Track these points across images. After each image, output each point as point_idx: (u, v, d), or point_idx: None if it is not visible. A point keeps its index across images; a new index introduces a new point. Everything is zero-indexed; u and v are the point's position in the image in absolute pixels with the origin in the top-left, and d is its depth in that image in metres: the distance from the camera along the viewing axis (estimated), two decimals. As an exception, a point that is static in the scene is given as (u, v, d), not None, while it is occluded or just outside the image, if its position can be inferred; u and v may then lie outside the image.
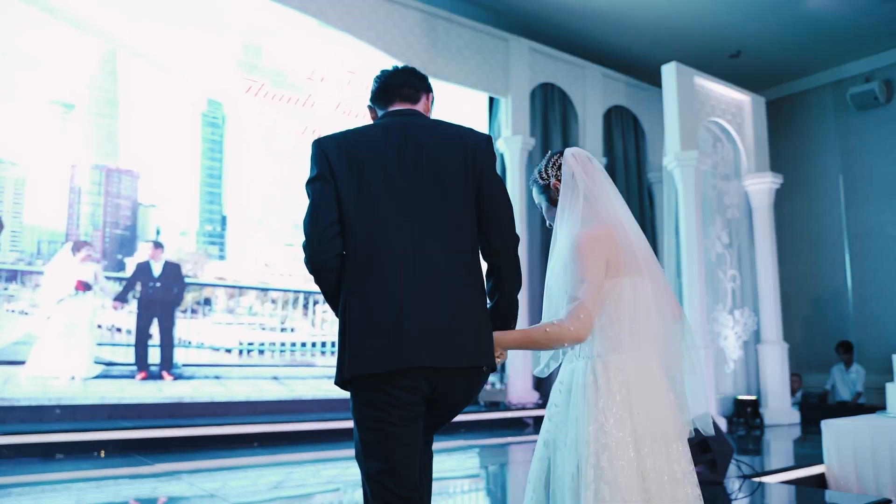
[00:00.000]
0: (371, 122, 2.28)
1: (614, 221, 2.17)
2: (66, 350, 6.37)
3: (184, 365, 6.90)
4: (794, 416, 8.05)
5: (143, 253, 6.86)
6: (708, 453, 4.54)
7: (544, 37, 9.46)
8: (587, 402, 2.06)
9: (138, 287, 6.77)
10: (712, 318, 7.78)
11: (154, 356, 6.77)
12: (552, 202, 2.31)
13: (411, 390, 1.94)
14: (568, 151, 2.28)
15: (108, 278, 6.69)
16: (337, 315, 2.06)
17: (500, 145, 9.05)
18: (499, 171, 8.45)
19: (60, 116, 6.62)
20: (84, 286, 6.49)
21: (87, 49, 6.77)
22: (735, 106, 8.61)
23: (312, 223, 2.01)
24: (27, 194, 6.39)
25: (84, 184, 6.68)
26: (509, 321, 2.17)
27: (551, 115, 9.53)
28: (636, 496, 1.97)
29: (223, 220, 7.37)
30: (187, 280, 7.03)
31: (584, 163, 2.24)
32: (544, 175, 2.31)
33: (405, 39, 8.24)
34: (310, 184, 2.06)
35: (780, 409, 8.00)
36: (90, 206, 6.67)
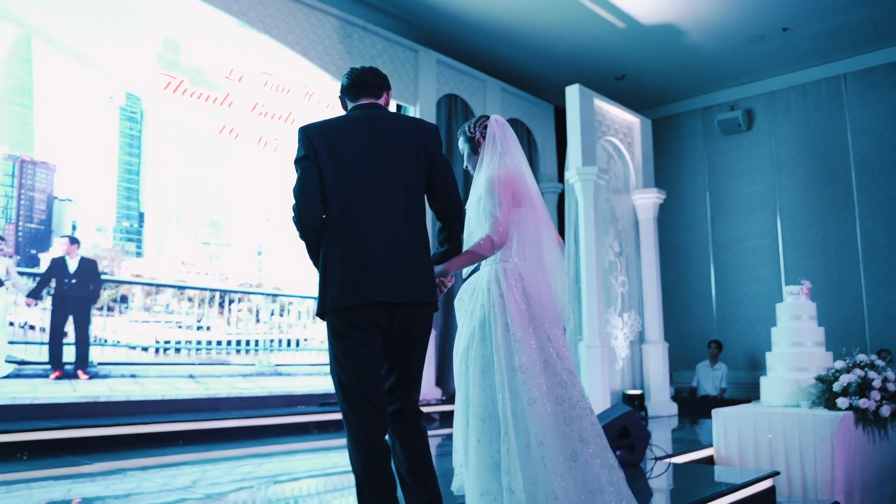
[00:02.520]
0: (343, 110, 2.89)
1: (518, 169, 3.01)
2: (-24, 348, 6.11)
3: (99, 363, 6.75)
4: (673, 409, 8.92)
5: (58, 248, 6.65)
6: (628, 438, 5.08)
7: (450, 50, 9.90)
8: (490, 297, 2.87)
9: (53, 283, 6.56)
10: (605, 320, 8.47)
11: (69, 354, 6.58)
12: (474, 152, 3.15)
13: (372, 319, 2.54)
14: (493, 118, 3.11)
15: (21, 274, 6.44)
16: (315, 265, 2.65)
17: (408, 152, 9.37)
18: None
19: (-29, 103, 6.32)
20: (-5, 281, 6.24)
21: None
22: (626, 126, 9.39)
23: (301, 192, 2.60)
24: (-66, 184, 6.07)
25: (-4, 175, 6.41)
26: (452, 256, 2.82)
27: (454, 125, 9.95)
28: (536, 358, 2.73)
29: (140, 217, 7.25)
30: (104, 277, 6.88)
31: (503, 128, 3.10)
32: (471, 130, 3.16)
33: (322, 45, 8.40)
34: (298, 161, 2.65)
35: (661, 402, 8.84)
36: (2, 199, 6.41)
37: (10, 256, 6.38)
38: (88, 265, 6.77)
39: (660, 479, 4.71)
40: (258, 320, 8.05)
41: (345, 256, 2.54)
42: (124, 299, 7.07)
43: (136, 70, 7.29)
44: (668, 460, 5.38)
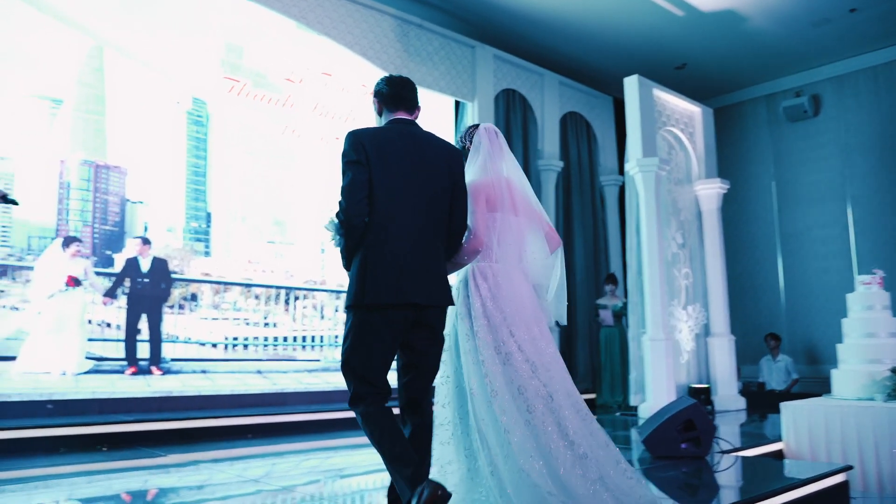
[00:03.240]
0: (373, 107, 3.13)
1: (498, 177, 3.15)
2: (58, 345, 6.39)
3: (172, 360, 7.00)
4: (741, 403, 8.74)
5: (131, 249, 6.92)
6: (693, 431, 5.02)
7: (507, 45, 9.90)
8: (464, 288, 3.10)
9: (127, 283, 6.83)
10: (669, 313, 8.36)
11: (143, 351, 6.85)
12: (465, 157, 3.25)
13: (402, 317, 2.78)
14: (481, 126, 3.29)
15: (97, 274, 6.72)
16: (346, 259, 2.86)
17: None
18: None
19: (49, 112, 6.61)
20: (74, 282, 6.52)
21: (74, 45, 6.79)
22: (687, 116, 9.24)
23: (350, 194, 2.79)
24: (17, 189, 6.36)
25: (73, 179, 6.69)
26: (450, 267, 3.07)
27: (513, 120, 9.95)
28: (494, 359, 2.92)
29: (208, 217, 7.48)
30: (174, 276, 7.12)
31: (490, 135, 3.25)
32: (462, 140, 3.35)
33: (380, 44, 8.51)
34: (350, 164, 2.83)
35: (728, 396, 8.68)
36: (79, 202, 6.69)
37: (88, 257, 6.66)
38: (160, 265, 7.02)
39: (727, 473, 4.65)
40: (322, 316, 8.21)
41: (384, 259, 2.76)
42: (194, 297, 7.30)
43: (201, 75, 7.52)
44: (735, 454, 5.29)
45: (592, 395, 9.79)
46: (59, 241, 6.51)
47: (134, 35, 7.09)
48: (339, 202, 2.82)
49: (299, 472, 5.16)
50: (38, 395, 6.16)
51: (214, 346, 7.33)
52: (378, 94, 3.06)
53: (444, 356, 3.08)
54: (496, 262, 3.10)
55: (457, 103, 9.68)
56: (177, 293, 7.17)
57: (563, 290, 3.34)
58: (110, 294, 6.76)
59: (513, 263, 3.13)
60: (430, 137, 3.01)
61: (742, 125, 11.53)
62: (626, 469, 2.98)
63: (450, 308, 3.07)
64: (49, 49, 6.60)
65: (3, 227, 6.30)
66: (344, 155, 2.86)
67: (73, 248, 6.53)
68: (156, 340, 6.92)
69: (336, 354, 8.14)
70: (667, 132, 9.01)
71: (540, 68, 10.30)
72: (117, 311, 6.78)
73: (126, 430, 5.88)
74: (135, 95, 7.07)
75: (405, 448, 2.72)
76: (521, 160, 9.89)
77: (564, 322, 3.35)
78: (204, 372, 7.15)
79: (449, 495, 2.58)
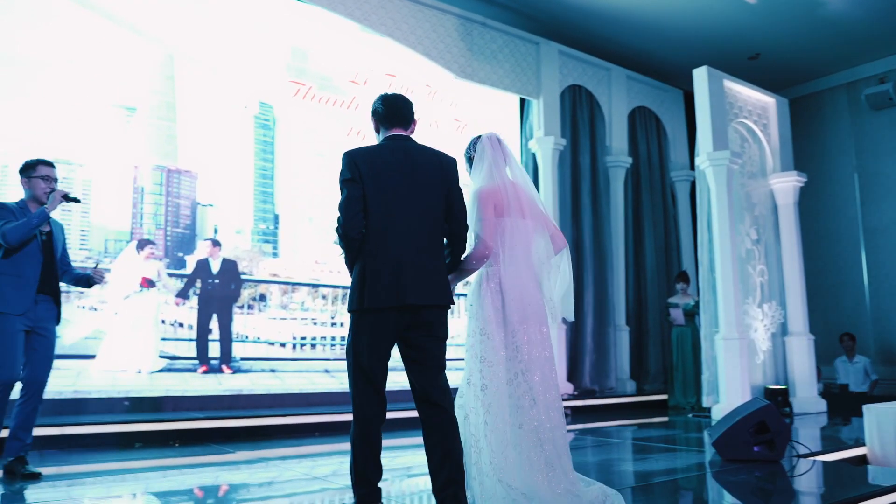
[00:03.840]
0: (372, 126, 3.32)
1: (504, 182, 3.28)
2: (133, 345, 6.61)
3: (242, 359, 7.15)
4: (821, 405, 8.38)
5: (202, 251, 7.11)
6: (766, 433, 4.82)
7: (572, 40, 9.76)
8: (475, 290, 3.26)
9: (198, 284, 7.02)
10: (743, 311, 8.08)
11: (214, 350, 7.03)
12: (470, 166, 3.46)
13: (398, 318, 2.99)
14: (484, 135, 3.42)
15: (170, 275, 6.93)
16: (349, 269, 3.08)
17: (532, 146, 9.33)
18: (531, 171, 8.76)
19: (123, 120, 6.85)
20: (148, 283, 6.73)
21: (146, 55, 7.02)
22: (760, 107, 8.92)
23: (346, 209, 3.01)
24: (94, 195, 6.61)
25: (146, 184, 6.92)
26: (457, 270, 3.29)
27: (580, 116, 9.81)
28: (499, 356, 3.10)
29: (276, 219, 7.62)
30: (243, 277, 7.28)
31: (493, 144, 3.37)
32: (469, 149, 3.49)
33: (443, 43, 8.51)
34: (345, 182, 3.06)
35: (807, 399, 8.33)
36: (152, 206, 6.91)
37: (161, 259, 6.87)
38: (229, 266, 7.19)
39: (804, 478, 4.45)
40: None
41: (381, 266, 2.98)
42: (263, 298, 7.45)
43: (267, 79, 7.67)
44: (813, 458, 5.06)
45: (664, 396, 9.56)
46: (134, 243, 6.74)
47: (203, 43, 7.28)
48: (338, 218, 3.05)
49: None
50: (116, 392, 6.38)
51: (283, 345, 7.45)
52: (374, 113, 3.27)
53: (466, 356, 3.26)
54: (506, 266, 3.22)
55: (522, 101, 9.61)
56: (246, 294, 7.32)
57: (571, 289, 3.45)
58: (182, 295, 6.96)
59: (522, 266, 3.24)
60: (423, 149, 3.20)
61: (820, 115, 11.06)
62: (574, 478, 3.13)
63: (468, 311, 3.31)
64: (123, 59, 6.84)
65: (82, 231, 6.56)
66: (340, 174, 3.09)
67: (147, 250, 6.75)
68: (226, 340, 7.09)
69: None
70: (739, 124, 8.72)
71: (606, 63, 10.13)
72: (189, 312, 6.97)
73: (197, 426, 6.04)
74: (204, 101, 7.26)
75: (377, 466, 3.02)
76: (588, 157, 9.75)
77: (572, 318, 3.49)
78: (273, 371, 7.29)
79: None
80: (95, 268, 4.62)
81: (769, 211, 8.92)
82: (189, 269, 7.03)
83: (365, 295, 2.98)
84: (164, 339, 6.83)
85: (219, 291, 7.09)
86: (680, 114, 11.08)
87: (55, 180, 4.44)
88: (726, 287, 7.77)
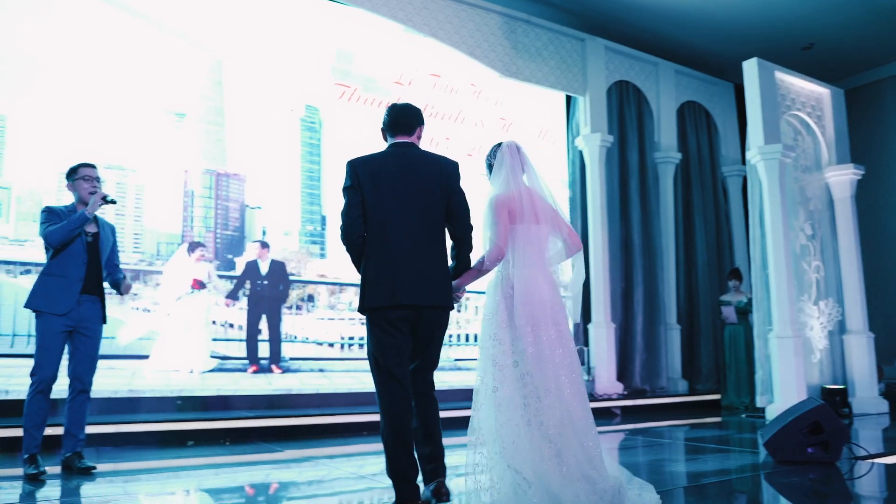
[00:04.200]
0: (382, 140, 3.49)
1: (519, 189, 3.36)
2: (185, 345, 6.75)
3: (290, 358, 7.24)
4: (882, 406, 8.11)
5: (251, 252, 7.22)
6: (821, 434, 4.68)
7: (618, 35, 9.64)
8: (489, 295, 3.35)
9: (248, 285, 7.13)
10: (798, 309, 7.88)
11: (264, 350, 7.13)
12: (490, 173, 3.54)
13: (401, 317, 3.16)
14: (504, 143, 3.48)
15: (220, 277, 7.06)
16: (358, 270, 3.25)
17: (578, 143, 9.25)
18: (578, 168, 8.67)
19: (174, 125, 7.00)
20: (199, 285, 6.86)
21: (195, 61, 7.16)
22: (814, 99, 8.68)
23: (347, 215, 3.21)
24: (146, 199, 6.77)
25: (196, 188, 7.06)
26: (465, 272, 3.40)
27: (627, 112, 9.70)
28: (508, 359, 3.19)
29: (323, 220, 7.69)
30: (292, 278, 7.37)
31: (511, 152, 3.45)
32: (490, 156, 3.54)
33: (487, 42, 8.49)
34: (345, 190, 3.26)
35: (868, 399, 8.07)
36: (202, 209, 7.05)
37: (211, 261, 7.00)
38: (278, 267, 7.28)
39: (862, 481, 4.30)
40: (436, 316, 8.24)
41: (379, 268, 3.16)
42: (311, 298, 7.53)
43: (313, 82, 7.76)
44: (872, 460, 4.89)
45: (717, 396, 9.38)
46: (185, 246, 6.89)
47: (250, 48, 7.40)
48: (340, 224, 3.26)
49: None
50: (169, 391, 6.52)
51: (331, 345, 7.52)
52: (382, 122, 3.48)
53: (480, 355, 3.35)
54: (519, 269, 3.31)
55: (568, 98, 9.53)
56: (294, 294, 7.41)
57: (580, 292, 3.58)
58: (232, 296, 7.08)
59: (536, 269, 3.34)
60: (424, 155, 3.35)
61: (878, 106, 10.72)
62: (599, 465, 3.15)
63: (483, 314, 3.41)
64: (173, 67, 6.99)
65: (135, 234, 6.72)
66: (343, 183, 3.29)
67: (198, 252, 6.89)
68: (275, 340, 7.19)
69: (450, 353, 8.20)
70: (792, 117, 8.49)
71: (654, 58, 9.98)
72: (239, 313, 7.09)
73: (247, 425, 6.14)
74: (251, 105, 7.38)
75: (413, 462, 3.15)
76: (636, 153, 9.62)
77: (578, 320, 3.64)
78: (321, 370, 7.36)
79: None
80: (125, 279, 4.68)
81: (825, 205, 8.67)
82: (238, 271, 7.15)
83: (366, 296, 3.20)
84: (214, 340, 6.96)
85: (268, 292, 7.19)
86: (731, 108, 10.86)
87: (97, 180, 4.53)
88: (780, 284, 7.58)
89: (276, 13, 7.57)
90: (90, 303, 4.47)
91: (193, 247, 6.90)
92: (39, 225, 4.40)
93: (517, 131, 9.13)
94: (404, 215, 3.19)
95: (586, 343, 8.87)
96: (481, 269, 3.40)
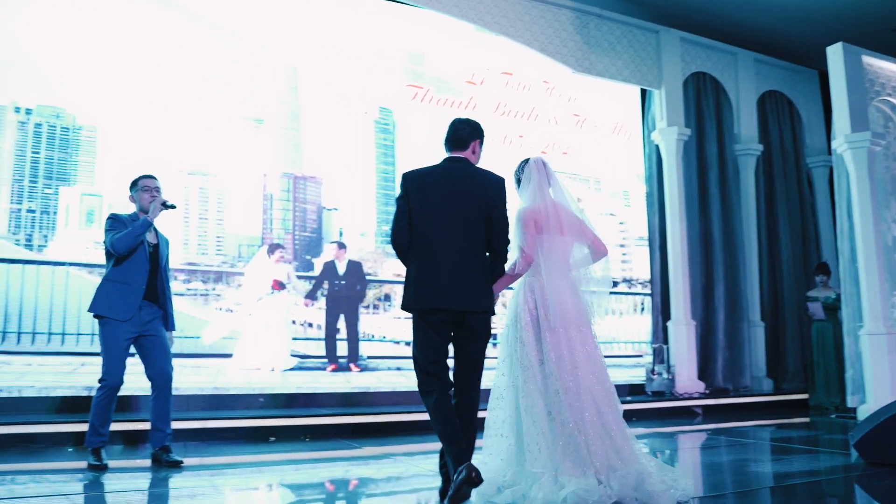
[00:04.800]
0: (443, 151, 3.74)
1: (546, 202, 3.65)
2: (266, 344, 6.94)
3: (368, 357, 7.36)
4: None
5: (328, 253, 7.38)
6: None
7: (694, 26, 9.42)
8: (513, 300, 3.64)
9: (325, 285, 7.29)
10: (891, 304, 7.53)
11: (342, 349, 7.27)
12: (518, 186, 3.83)
13: (440, 320, 3.39)
14: (531, 160, 3.76)
15: (299, 277, 7.23)
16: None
17: (654, 137, 9.09)
18: (654, 163, 8.53)
19: (253, 131, 7.21)
20: (279, 285, 7.05)
21: (272, 68, 7.36)
22: (906, 83, 8.28)
23: (396, 223, 3.50)
24: (227, 203, 7.00)
25: (275, 191, 7.25)
26: (499, 280, 3.58)
27: (704, 104, 9.47)
28: (534, 360, 3.47)
29: (398, 221, 7.78)
30: (368, 278, 7.50)
31: (538, 168, 3.73)
32: (518, 171, 3.82)
33: (559, 38, 8.43)
34: (397, 199, 3.59)
35: (970, 398, 7.65)
36: (281, 212, 7.24)
37: (290, 262, 7.18)
38: (355, 267, 7.41)
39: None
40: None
41: (421, 273, 3.41)
42: (387, 298, 7.63)
43: (386, 84, 7.87)
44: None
45: (804, 395, 9.05)
46: (265, 248, 7.08)
47: (324, 53, 7.56)
48: (390, 229, 3.61)
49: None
50: (251, 389, 6.72)
51: (408, 343, 7.60)
52: (444, 140, 3.73)
53: (502, 355, 3.67)
54: (543, 276, 3.58)
55: (643, 92, 9.38)
56: (371, 294, 7.53)
57: (606, 291, 3.86)
58: (311, 296, 7.24)
59: (560, 276, 3.61)
60: (472, 171, 3.58)
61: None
62: (630, 456, 3.42)
63: (508, 318, 3.69)
64: (251, 74, 7.21)
65: (218, 237, 6.95)
66: (398, 194, 3.62)
67: (277, 254, 7.07)
68: (353, 339, 7.32)
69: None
70: (882, 103, 8.12)
71: (732, 47, 9.72)
72: (318, 312, 7.24)
73: (327, 422, 6.26)
74: (326, 109, 7.53)
75: (455, 430, 3.32)
76: (715, 146, 9.40)
77: (595, 320, 3.78)
78: (399, 369, 7.45)
79: (481, 480, 3.20)
80: (171, 333, 4.82)
81: (919, 195, 8.26)
82: (317, 272, 7.31)
83: (408, 296, 3.46)
84: (295, 339, 7.13)
85: (345, 292, 7.33)
86: (815, 96, 10.46)
87: (157, 189, 4.68)
88: (870, 278, 7.26)
89: (348, 18, 7.71)
90: (149, 307, 4.62)
91: (273, 249, 7.09)
92: (104, 232, 4.54)
93: (591, 127, 9.04)
94: (447, 225, 3.42)
95: (665, 341, 8.70)
96: (514, 276, 3.63)
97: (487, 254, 3.56)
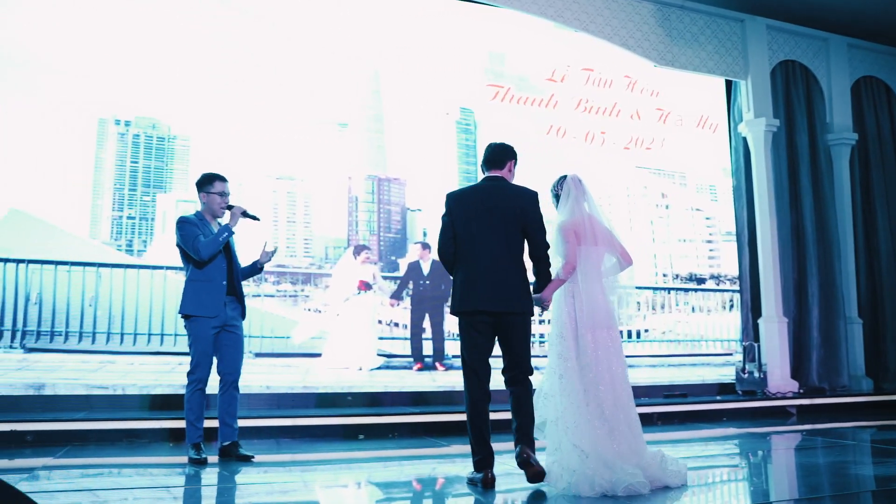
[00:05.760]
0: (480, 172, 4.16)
1: (582, 216, 4.04)
2: (354, 344, 7.09)
3: (454, 356, 7.41)
4: None
5: (413, 254, 7.49)
6: None
7: (781, 13, 9.09)
8: (556, 302, 3.99)
9: (411, 285, 7.40)
10: None
11: (427, 348, 7.37)
12: (556, 201, 4.19)
13: (481, 321, 3.78)
14: (568, 177, 4.13)
15: (384, 278, 7.37)
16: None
17: (741, 129, 8.86)
18: (741, 155, 8.30)
19: (337, 135, 7.39)
20: (365, 286, 7.20)
21: (355, 72, 7.52)
22: None
23: (441, 237, 3.95)
24: (314, 206, 7.20)
25: (360, 193, 7.41)
26: (548, 285, 3.93)
27: (794, 93, 9.16)
28: (572, 353, 3.86)
29: (479, 220, 7.84)
30: (452, 277, 7.55)
31: (575, 184, 4.10)
32: (555, 188, 4.18)
33: (640, 31, 8.31)
34: (442, 217, 3.98)
35: None
36: (366, 213, 7.39)
37: (375, 263, 7.33)
38: (439, 267, 7.45)
39: None
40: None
41: (465, 280, 3.82)
42: (470, 297, 7.67)
43: (466, 85, 7.93)
44: None
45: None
46: (351, 249, 7.25)
47: (405, 56, 7.68)
48: (437, 243, 4.04)
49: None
50: (340, 387, 6.88)
51: (492, 343, 7.64)
52: (482, 159, 4.13)
53: (550, 352, 4.04)
54: (580, 283, 3.97)
55: (728, 83, 9.14)
56: (455, 293, 7.58)
57: (625, 297, 4.37)
58: (396, 296, 7.36)
59: (594, 283, 4.00)
60: (508, 187, 3.97)
61: None
62: (643, 442, 3.89)
63: (553, 315, 4.07)
64: (334, 79, 7.38)
65: (305, 239, 7.16)
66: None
67: (363, 255, 7.22)
68: (438, 338, 7.40)
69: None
70: None
71: (823, 32, 9.35)
72: (403, 312, 7.36)
73: (414, 420, 6.34)
74: (408, 111, 7.65)
75: (485, 438, 3.80)
76: (805, 136, 9.09)
77: (618, 323, 4.17)
78: (483, 368, 7.47)
79: (494, 480, 3.75)
80: (263, 250, 4.92)
81: None
82: (402, 272, 7.44)
83: (454, 302, 3.90)
84: (381, 339, 7.28)
85: (430, 292, 7.42)
86: (917, 79, 9.97)
87: (228, 195, 4.84)
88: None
89: (428, 21, 7.80)
90: (231, 303, 4.77)
91: (359, 250, 7.24)
92: (180, 236, 4.66)
93: (675, 121, 8.88)
94: (487, 237, 3.82)
95: (756, 339, 8.46)
96: (561, 281, 3.99)
97: (528, 261, 3.94)
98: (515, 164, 4.07)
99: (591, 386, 3.83)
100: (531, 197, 3.95)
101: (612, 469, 3.58)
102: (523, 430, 3.80)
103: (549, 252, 3.96)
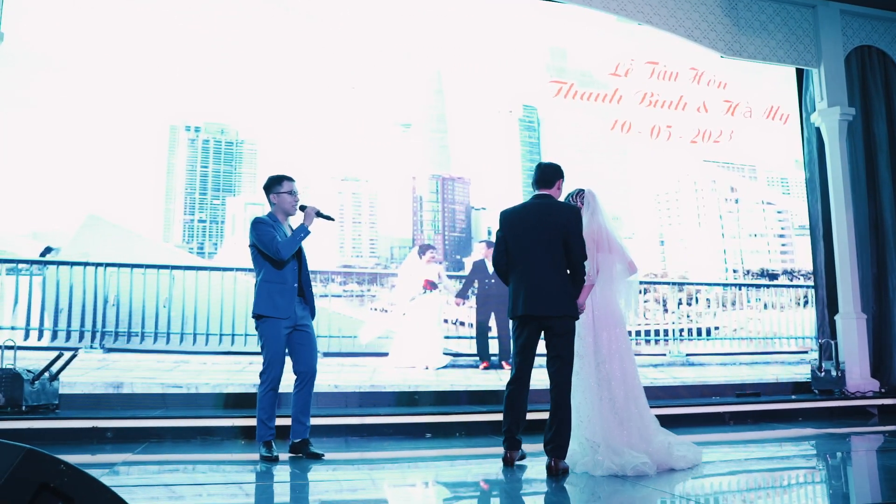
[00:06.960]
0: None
1: (599, 227, 4.51)
2: (420, 343, 7.14)
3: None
4: None
5: (477, 252, 7.49)
6: None
7: (856, -4, 8.78)
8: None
9: (476, 284, 7.40)
10: None
11: (493, 347, 7.35)
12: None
13: (530, 324, 4.26)
14: (587, 190, 4.61)
15: (450, 277, 7.40)
16: None
17: (814, 119, 8.57)
18: (815, 146, 8.01)
19: (401, 135, 7.45)
20: (431, 285, 7.23)
21: (418, 73, 7.57)
22: None
23: (495, 251, 4.48)
24: (379, 206, 7.27)
25: (424, 193, 7.46)
26: (581, 292, 4.35)
27: (871, 80, 8.81)
28: (589, 350, 4.34)
29: (544, 218, 7.80)
30: (516, 276, 7.54)
31: (593, 197, 4.59)
32: (574, 199, 4.61)
33: (706, 22, 8.12)
34: (497, 232, 4.45)
35: None
36: (430, 213, 7.43)
37: (440, 262, 7.35)
38: (504, 265, 7.48)
39: None
40: (666, 310, 8.05)
41: (516, 288, 4.30)
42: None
43: (529, 82, 7.89)
44: None
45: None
46: (416, 249, 7.30)
47: (466, 55, 7.69)
48: (492, 257, 4.61)
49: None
50: (406, 386, 6.94)
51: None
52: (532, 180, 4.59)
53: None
54: (596, 287, 4.44)
55: (799, 72, 8.86)
56: (519, 292, 7.56)
57: (632, 299, 4.79)
58: (461, 295, 7.38)
59: (608, 287, 4.49)
60: (553, 204, 4.40)
61: None
62: (655, 430, 4.32)
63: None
64: (398, 80, 7.45)
65: (371, 240, 7.24)
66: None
67: (429, 254, 7.26)
68: (504, 337, 7.37)
69: (682, 348, 7.98)
70: None
71: (902, 15, 8.98)
72: (469, 311, 7.37)
73: (481, 419, 6.31)
74: (471, 110, 7.66)
75: (517, 420, 4.32)
76: (884, 125, 8.76)
77: (627, 323, 4.66)
78: (541, 366, 7.42)
79: (514, 461, 4.35)
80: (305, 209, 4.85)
81: None
82: (467, 271, 7.45)
83: (510, 306, 4.37)
84: (447, 338, 7.30)
85: (495, 291, 7.38)
86: None
87: (297, 194, 4.89)
88: None
89: (488, 19, 7.79)
90: (301, 304, 4.83)
91: (424, 249, 7.28)
92: (256, 236, 4.69)
93: (743, 113, 8.66)
94: (534, 250, 4.27)
95: (833, 336, 8.18)
96: (590, 286, 4.40)
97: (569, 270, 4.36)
98: (563, 182, 4.48)
99: (605, 381, 4.29)
100: (572, 214, 4.39)
101: (620, 455, 3.99)
102: (555, 440, 4.14)
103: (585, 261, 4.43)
